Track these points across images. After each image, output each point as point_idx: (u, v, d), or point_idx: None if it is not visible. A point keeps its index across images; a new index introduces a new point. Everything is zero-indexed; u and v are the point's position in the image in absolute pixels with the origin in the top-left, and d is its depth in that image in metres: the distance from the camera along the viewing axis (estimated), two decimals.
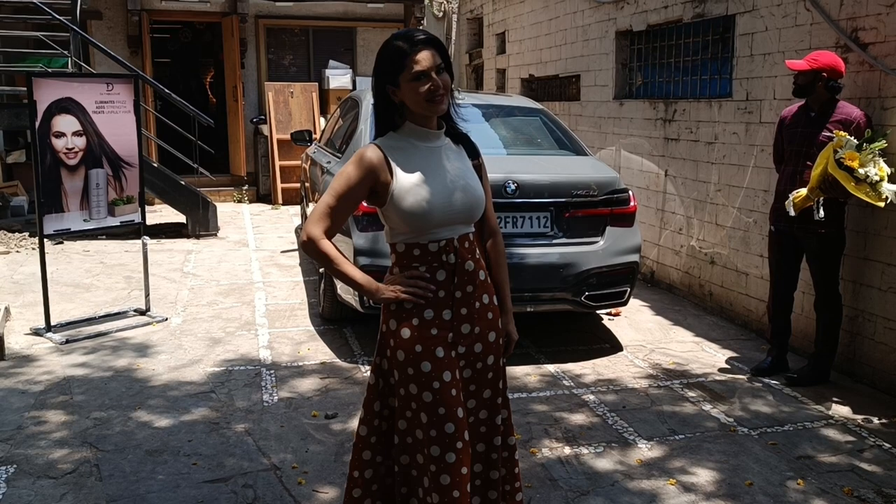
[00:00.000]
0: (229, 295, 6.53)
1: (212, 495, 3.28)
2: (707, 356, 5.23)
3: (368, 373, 2.46)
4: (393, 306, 2.36)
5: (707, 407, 4.36)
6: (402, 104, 2.35)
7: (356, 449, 2.47)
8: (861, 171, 4.05)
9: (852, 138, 4.13)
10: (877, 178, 4.05)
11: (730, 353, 5.28)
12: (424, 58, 2.29)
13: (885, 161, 4.13)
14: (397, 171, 2.32)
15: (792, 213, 4.38)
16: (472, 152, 2.51)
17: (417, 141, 2.38)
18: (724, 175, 6.00)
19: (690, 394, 4.55)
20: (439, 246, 2.35)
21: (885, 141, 4.12)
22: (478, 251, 2.45)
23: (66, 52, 8.73)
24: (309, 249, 2.37)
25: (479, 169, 2.50)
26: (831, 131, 4.30)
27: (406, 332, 2.33)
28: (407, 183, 2.31)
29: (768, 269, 4.91)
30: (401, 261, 2.38)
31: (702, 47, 6.45)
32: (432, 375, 2.30)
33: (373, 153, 2.34)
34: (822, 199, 4.29)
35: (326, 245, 2.35)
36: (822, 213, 4.30)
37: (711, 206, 6.21)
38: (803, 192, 4.33)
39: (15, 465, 3.50)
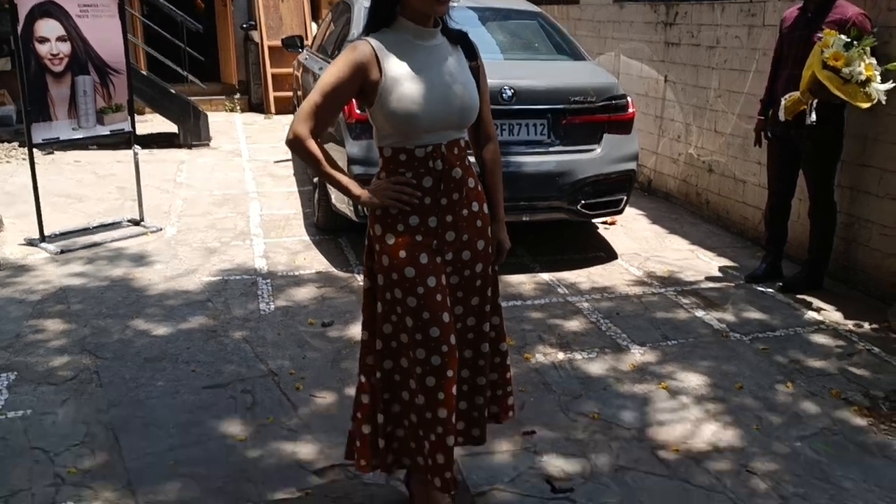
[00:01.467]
0: (223, 205, 6.51)
1: (211, 400, 3.34)
2: (702, 264, 5.26)
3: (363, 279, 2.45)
4: (379, 212, 2.33)
5: (700, 313, 4.41)
6: None
7: (361, 354, 2.48)
8: (846, 69, 3.97)
9: (841, 37, 4.03)
10: (862, 77, 3.97)
11: (725, 261, 5.30)
12: None
13: (876, 61, 4.04)
14: (387, 69, 2.22)
15: (782, 117, 4.34)
16: (470, 53, 2.41)
17: (413, 38, 2.27)
18: (725, 80, 5.89)
19: (684, 300, 4.60)
20: (426, 152, 2.28)
21: (873, 39, 4.03)
22: (468, 158, 2.39)
23: None
24: (295, 148, 2.31)
25: (477, 71, 2.40)
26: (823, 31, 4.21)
27: (391, 238, 2.31)
28: (396, 83, 2.22)
29: (766, 175, 4.88)
30: (387, 165, 2.33)
31: None
32: (416, 281, 2.29)
33: (363, 49, 2.24)
34: (814, 102, 4.23)
35: (313, 145, 2.29)
36: (813, 116, 4.24)
37: (711, 113, 6.13)
38: (796, 95, 4.27)
39: (15, 373, 3.55)
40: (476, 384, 2.51)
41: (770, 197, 4.81)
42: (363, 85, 2.24)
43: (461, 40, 2.40)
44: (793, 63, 4.42)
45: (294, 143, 2.30)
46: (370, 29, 2.31)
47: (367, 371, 2.45)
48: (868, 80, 4.00)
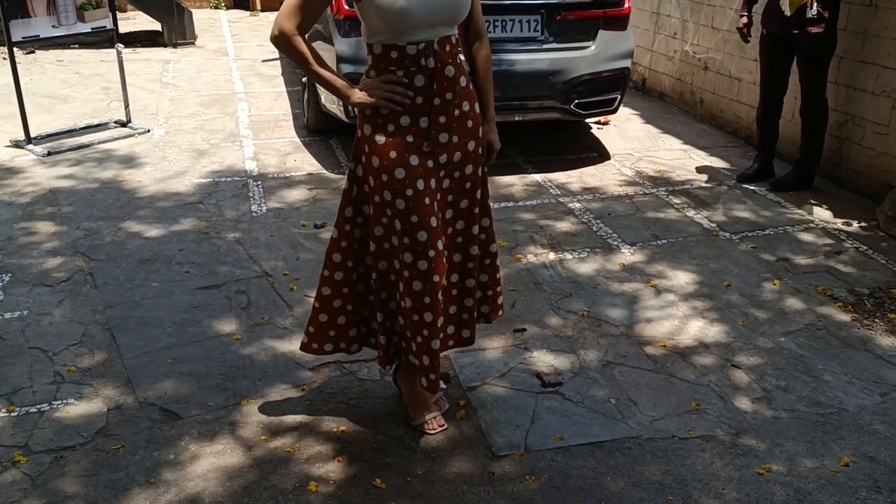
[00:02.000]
0: (211, 106, 6.39)
1: (206, 301, 3.38)
2: (694, 163, 5.24)
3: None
4: (369, 112, 2.27)
5: (691, 213, 4.43)
6: None
7: (328, 251, 2.49)
8: None
9: None
10: None
11: (717, 161, 5.28)
12: None
13: None
14: None
15: (788, 11, 4.25)
16: None
17: None
18: None
19: (675, 200, 4.60)
20: (418, 49, 2.20)
21: None
22: (460, 56, 2.32)
23: None
24: (280, 45, 2.23)
25: None
26: None
27: (381, 139, 2.26)
28: None
29: (759, 71, 4.81)
30: (377, 63, 2.25)
31: None
32: (406, 183, 2.26)
33: None
34: None
35: (299, 42, 2.21)
36: (815, 9, 4.20)
37: (708, 9, 5.97)
38: None
39: (10, 274, 3.57)
40: (465, 286, 2.52)
41: (762, 94, 4.75)
42: None
43: None
44: None
45: (279, 39, 2.21)
46: None
47: (332, 268, 2.48)
48: None
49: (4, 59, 7.48)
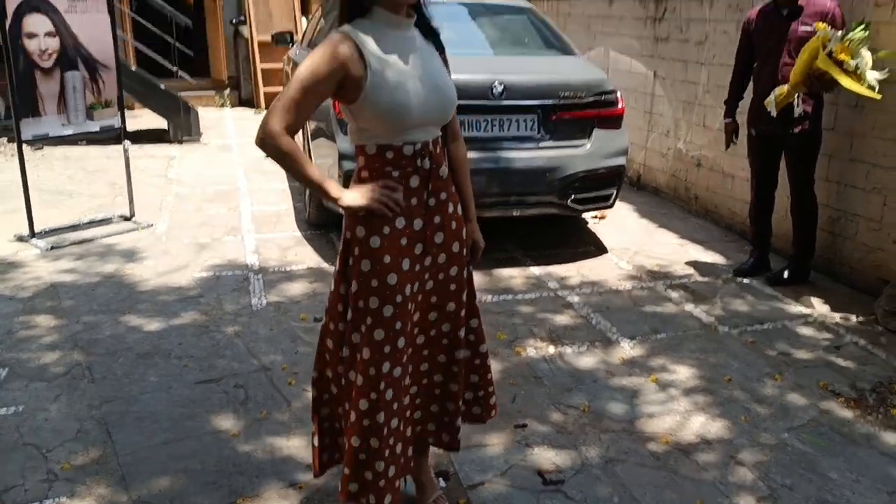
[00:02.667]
0: (214, 201, 6.50)
1: (204, 395, 3.35)
2: (691, 258, 5.29)
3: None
4: (362, 212, 2.18)
5: (689, 307, 4.44)
6: None
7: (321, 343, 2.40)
8: (852, 62, 4.02)
9: (836, 31, 4.08)
10: (868, 67, 4.02)
11: (713, 255, 5.34)
12: None
13: (867, 51, 4.08)
14: (372, 63, 2.08)
15: (774, 112, 4.35)
16: (439, 45, 2.31)
17: (389, 30, 2.15)
18: (714, 76, 5.92)
19: (673, 294, 4.63)
20: (415, 149, 2.17)
21: (867, 31, 4.06)
22: (445, 156, 2.32)
23: None
24: (267, 147, 2.10)
25: (446, 64, 2.32)
26: (809, 24, 4.27)
27: (376, 241, 2.17)
28: (384, 76, 2.09)
29: (749, 171, 4.92)
30: (371, 164, 2.18)
31: None
32: (396, 289, 2.18)
33: (344, 41, 2.09)
34: (801, 94, 4.29)
35: (286, 142, 2.09)
36: (801, 107, 4.32)
37: (700, 108, 6.16)
38: (784, 88, 4.30)
39: (7, 369, 3.55)
40: (448, 390, 2.44)
41: (753, 192, 4.84)
42: (343, 80, 2.09)
43: (432, 35, 2.29)
44: (774, 59, 4.43)
45: (265, 141, 2.10)
46: (345, 19, 2.17)
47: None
48: (866, 69, 4.05)
49: (13, 155, 7.64)
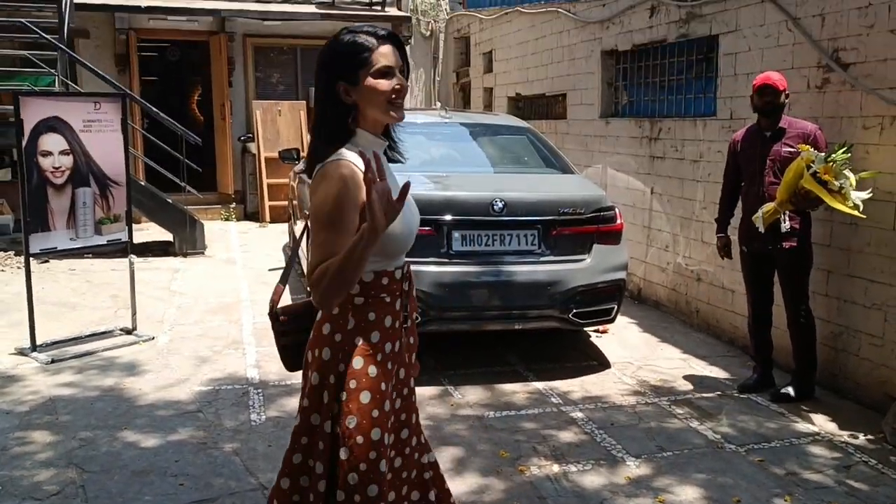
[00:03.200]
0: (217, 313, 6.51)
1: None
2: (694, 373, 5.25)
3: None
4: (360, 341, 2.13)
5: (695, 424, 4.38)
6: (353, 107, 2.11)
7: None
8: (836, 183, 4.14)
9: (819, 152, 4.24)
10: (852, 187, 4.14)
11: (717, 370, 5.30)
12: (391, 53, 2.09)
13: (850, 171, 4.20)
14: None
15: (762, 228, 4.45)
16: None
17: (375, 151, 2.06)
18: (710, 193, 6.05)
19: (678, 410, 4.57)
20: (402, 273, 2.21)
21: (849, 153, 4.19)
22: None
23: (53, 70, 8.73)
24: (325, 300, 2.03)
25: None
26: (792, 146, 4.42)
27: (373, 371, 2.14)
28: None
29: (745, 287, 4.95)
30: (367, 291, 2.14)
31: (686, 67, 6.52)
32: (387, 413, 2.17)
33: (348, 164, 2.04)
34: (788, 211, 4.40)
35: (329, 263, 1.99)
36: (787, 223, 4.42)
37: (697, 224, 6.26)
38: (771, 206, 4.41)
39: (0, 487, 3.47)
40: (429, 500, 2.41)
41: (750, 308, 4.88)
42: (362, 208, 2.01)
43: (390, 159, 2.27)
44: (761, 179, 4.57)
45: (322, 299, 2.02)
46: (323, 145, 2.10)
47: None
48: (850, 189, 4.17)
49: (20, 267, 7.72)
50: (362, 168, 1.96)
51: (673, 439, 4.16)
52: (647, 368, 5.33)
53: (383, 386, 2.16)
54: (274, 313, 2.45)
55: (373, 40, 2.09)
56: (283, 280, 2.60)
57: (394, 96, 2.09)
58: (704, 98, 6.28)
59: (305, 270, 2.10)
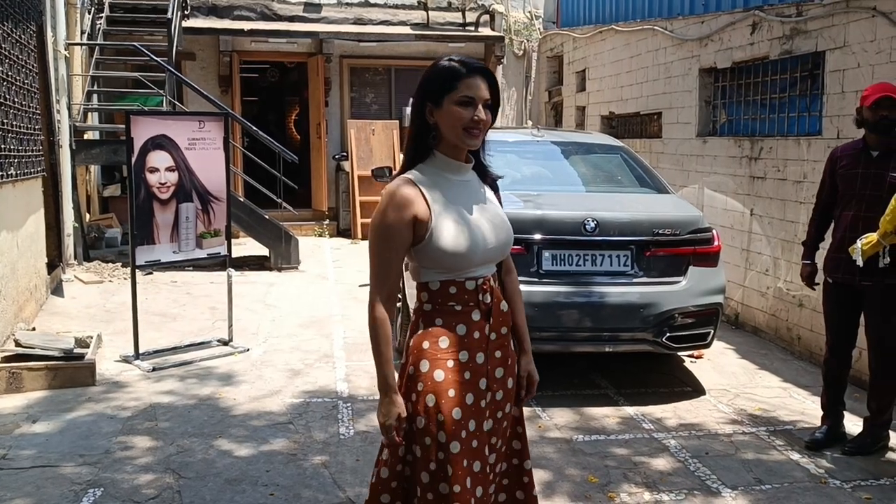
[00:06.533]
0: (309, 327, 6.65)
1: None
2: (795, 403, 5.03)
3: None
4: (426, 345, 2.24)
5: (795, 456, 4.18)
6: (435, 128, 2.25)
7: (374, 489, 2.31)
8: None
9: None
10: None
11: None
12: (476, 86, 2.22)
13: None
14: (434, 205, 2.21)
15: (860, 261, 3.96)
16: (493, 187, 2.43)
17: (449, 174, 2.28)
18: None
19: (778, 442, 4.38)
20: (476, 284, 2.26)
21: None
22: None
23: (161, 91, 9.18)
24: (375, 330, 2.26)
25: (500, 203, 2.43)
26: None
27: (440, 375, 2.21)
28: (446, 219, 2.21)
29: (824, 323, 4.47)
30: (434, 299, 2.26)
31: (789, 84, 6.30)
32: (461, 423, 2.19)
33: (407, 188, 2.21)
34: (889, 245, 3.92)
35: (381, 330, 2.25)
36: (887, 259, 3.93)
37: (800, 247, 5.99)
38: (873, 237, 3.92)
39: (102, 489, 3.62)
40: None
41: (828, 348, 4.38)
42: (413, 222, 2.19)
43: (489, 179, 2.41)
44: (860, 203, 4.11)
45: (371, 323, 2.26)
46: (407, 160, 2.30)
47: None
48: None
49: (126, 278, 8.10)
50: (421, 185, 2.21)
51: (772, 472, 3.98)
52: (745, 396, 5.13)
53: (452, 392, 2.19)
54: None
55: (463, 70, 2.23)
56: None
57: (470, 126, 2.21)
58: (809, 116, 6.05)
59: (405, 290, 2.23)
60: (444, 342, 2.24)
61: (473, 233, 2.22)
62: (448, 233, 2.19)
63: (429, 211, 2.20)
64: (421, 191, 2.21)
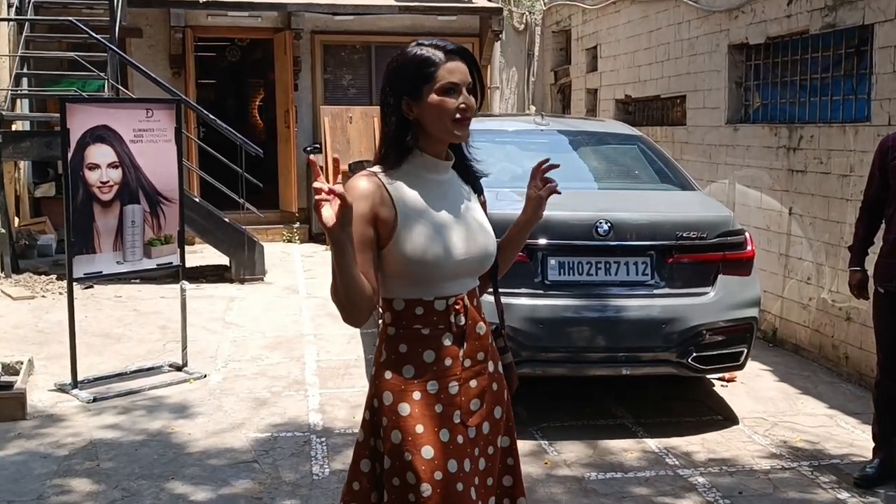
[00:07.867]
0: (276, 349, 6.65)
1: None
2: (843, 433, 5.06)
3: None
4: (389, 375, 2.24)
5: (844, 495, 4.21)
6: (414, 123, 2.25)
7: None
8: None
9: None
10: None
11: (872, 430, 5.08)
12: (458, 69, 2.23)
13: None
14: (401, 206, 2.21)
15: None
16: (478, 188, 2.45)
17: (425, 172, 2.28)
18: None
19: (823, 479, 4.40)
20: (447, 304, 2.25)
21: None
22: (482, 309, 2.37)
23: (102, 73, 9.16)
24: (350, 318, 2.20)
25: (484, 207, 2.44)
26: None
27: (405, 409, 2.21)
28: (412, 222, 2.20)
29: (875, 340, 4.47)
30: (398, 321, 2.26)
31: (833, 63, 6.35)
32: (434, 464, 2.17)
33: (367, 182, 2.20)
34: None
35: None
36: None
37: (846, 252, 6.05)
38: None
39: None
40: None
41: (879, 368, 4.38)
42: (375, 220, 2.19)
43: (471, 177, 2.42)
44: None
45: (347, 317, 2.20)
46: (383, 157, 2.27)
47: None
48: None
49: (62, 293, 8.08)
50: (385, 181, 2.21)
51: None
52: (785, 426, 5.16)
53: (419, 428, 2.19)
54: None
55: (440, 55, 2.23)
56: None
57: (458, 116, 2.22)
58: (855, 100, 6.09)
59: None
60: (408, 372, 2.24)
61: (445, 239, 2.22)
62: (413, 238, 2.19)
63: (394, 211, 2.20)
64: (385, 187, 2.22)
